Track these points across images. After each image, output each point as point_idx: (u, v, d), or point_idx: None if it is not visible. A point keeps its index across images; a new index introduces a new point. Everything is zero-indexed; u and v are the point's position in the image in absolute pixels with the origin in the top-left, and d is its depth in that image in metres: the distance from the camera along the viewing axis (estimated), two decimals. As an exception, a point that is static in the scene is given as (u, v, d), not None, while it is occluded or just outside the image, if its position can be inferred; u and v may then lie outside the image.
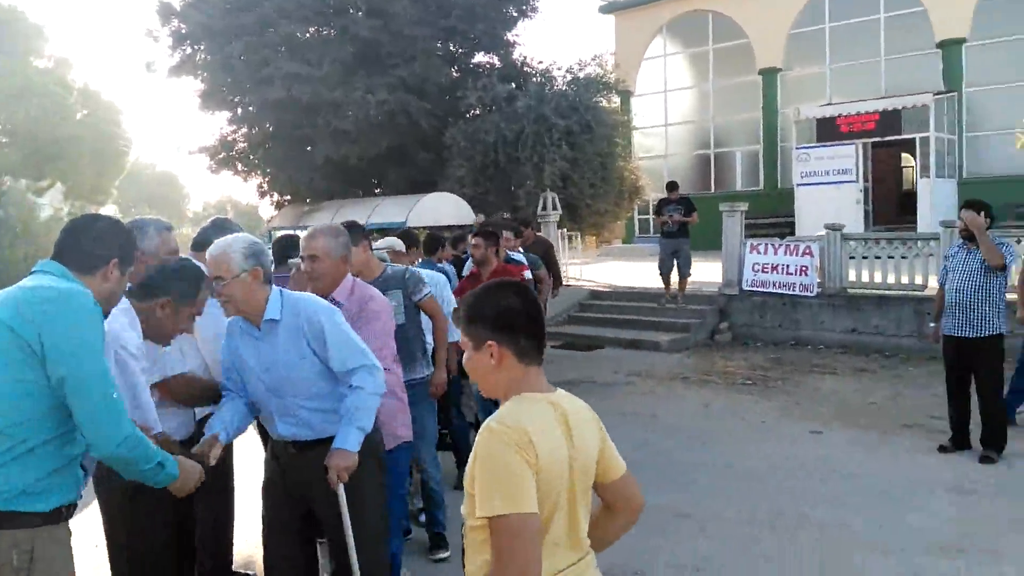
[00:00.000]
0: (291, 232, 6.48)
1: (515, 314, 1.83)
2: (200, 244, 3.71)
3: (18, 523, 2.08)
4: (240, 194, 46.77)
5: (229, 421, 3.00)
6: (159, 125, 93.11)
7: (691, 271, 11.82)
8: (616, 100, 19.30)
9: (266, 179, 18.11)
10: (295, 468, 3.06)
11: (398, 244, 5.79)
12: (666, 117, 24.85)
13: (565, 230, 15.72)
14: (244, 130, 17.64)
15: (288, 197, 18.07)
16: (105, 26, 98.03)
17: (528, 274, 6.54)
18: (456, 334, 2.49)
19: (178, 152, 38.95)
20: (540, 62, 17.64)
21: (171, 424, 3.02)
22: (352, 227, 4.07)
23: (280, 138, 16.89)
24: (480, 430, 1.76)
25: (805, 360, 10.02)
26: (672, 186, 12.07)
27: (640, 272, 12.70)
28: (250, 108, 16.90)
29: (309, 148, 16.35)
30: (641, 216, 23.26)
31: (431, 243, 6.70)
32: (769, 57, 22.32)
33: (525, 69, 17.38)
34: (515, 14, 17.66)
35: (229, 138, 17.71)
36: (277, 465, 3.15)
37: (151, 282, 2.80)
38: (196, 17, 16.22)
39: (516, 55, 17.75)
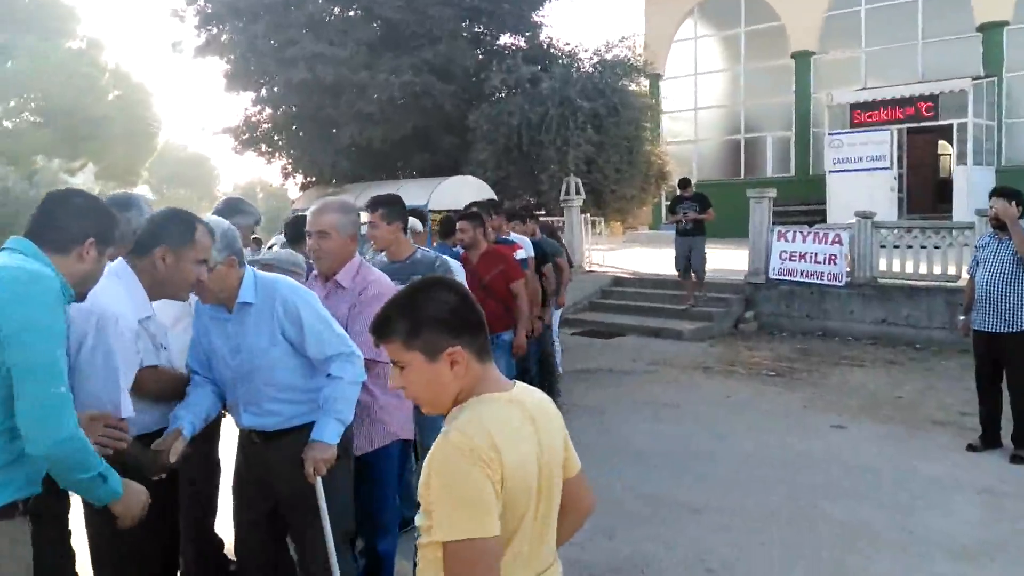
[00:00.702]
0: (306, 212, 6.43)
1: (466, 310, 1.66)
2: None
3: None
4: (269, 175, 46.88)
5: (196, 411, 2.80)
6: (188, 106, 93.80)
7: (705, 269, 11.39)
8: (645, 83, 18.98)
9: (290, 160, 18.09)
10: (260, 460, 2.90)
11: (418, 225, 5.68)
12: (696, 101, 24.40)
13: (589, 215, 15.51)
14: (268, 111, 17.63)
15: (312, 179, 18.03)
16: (134, 5, 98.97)
17: (521, 253, 6.34)
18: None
19: (203, 132, 39.27)
20: (566, 44, 17.40)
21: (147, 417, 2.76)
22: (393, 203, 4.00)
23: (304, 119, 16.84)
24: (438, 439, 1.57)
25: (833, 351, 9.75)
26: (685, 183, 11.65)
27: (665, 259, 12.46)
28: (274, 89, 16.85)
29: (333, 130, 16.28)
30: (668, 202, 22.92)
31: (447, 226, 6.53)
32: (803, 40, 21.77)
33: (551, 51, 17.14)
34: (542, -6, 17.41)
35: (253, 119, 17.70)
36: (243, 458, 2.98)
37: (142, 237, 2.62)
38: (221, -3, 16.19)
39: (542, 37, 17.52)
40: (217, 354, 2.85)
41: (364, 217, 3.91)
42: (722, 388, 8.11)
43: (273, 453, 2.84)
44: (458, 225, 5.66)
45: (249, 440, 2.93)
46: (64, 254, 2.17)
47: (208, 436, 3.22)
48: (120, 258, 2.62)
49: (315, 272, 3.48)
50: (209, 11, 16.68)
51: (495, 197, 13.70)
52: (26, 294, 2.01)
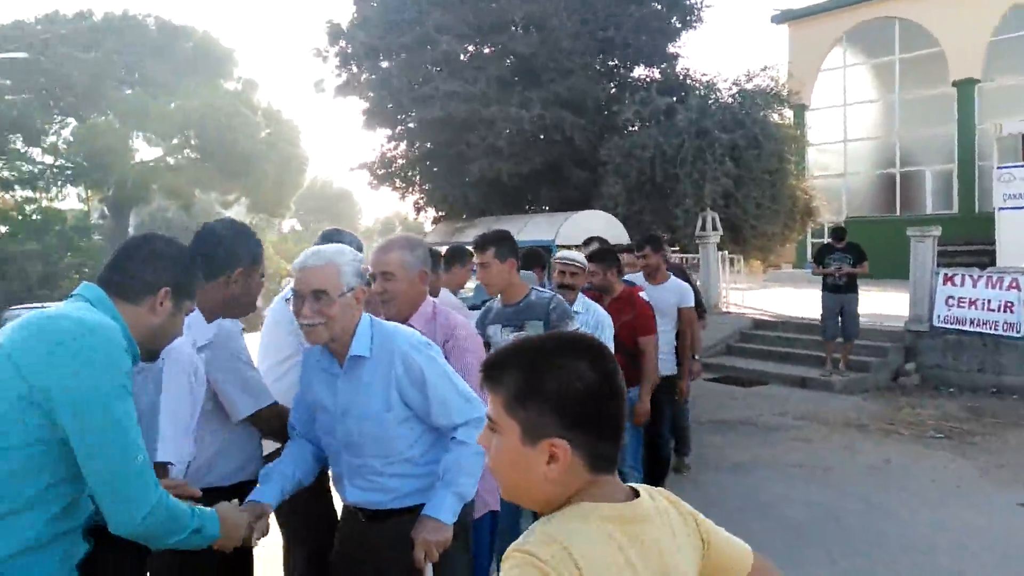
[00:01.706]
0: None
1: (602, 402, 1.18)
2: None
3: None
4: (406, 209, 48.32)
5: (288, 475, 2.42)
6: (332, 142, 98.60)
7: (858, 332, 10.01)
8: (789, 114, 17.96)
9: (422, 195, 18.25)
10: (361, 541, 2.46)
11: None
12: (845, 132, 23.00)
13: (726, 252, 14.64)
14: (403, 147, 17.87)
15: (443, 213, 18.10)
16: (285, 47, 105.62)
17: (645, 295, 5.35)
18: None
19: (340, 169, 40.95)
20: (704, 74, 16.70)
21: (232, 464, 2.53)
22: (504, 238, 3.61)
23: (436, 155, 16.95)
24: (504, 557, 1.14)
25: (1010, 411, 8.53)
26: (839, 233, 10.14)
27: (811, 301, 11.45)
28: (409, 126, 17.08)
29: (464, 165, 16.27)
30: (814, 240, 21.59)
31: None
32: (965, 67, 20.11)
33: (687, 82, 16.49)
34: (678, 25, 16.86)
35: (388, 155, 17.99)
36: (342, 536, 2.58)
37: (215, 259, 2.36)
38: (360, 37, 16.58)
39: (678, 68, 16.92)
40: (323, 415, 2.45)
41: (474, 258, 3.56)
42: (879, 450, 7.16)
43: (377, 535, 2.41)
44: (588, 267, 4.80)
45: (353, 518, 2.51)
46: (135, 304, 1.90)
47: (321, 491, 2.92)
48: None
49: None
50: (349, 51, 17.13)
51: (625, 232, 13.17)
52: (81, 351, 1.70)
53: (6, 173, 30.06)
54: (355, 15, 17.08)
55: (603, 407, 1.18)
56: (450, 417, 2.37)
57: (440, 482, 2.33)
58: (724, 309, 13.91)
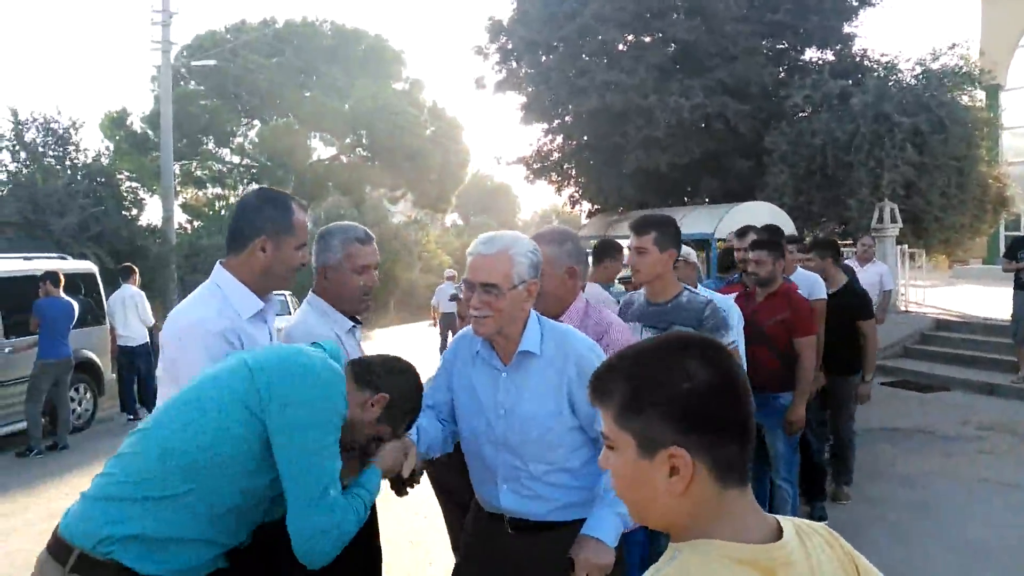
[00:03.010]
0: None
1: (718, 400, 1.04)
2: None
3: None
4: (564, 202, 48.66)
5: (430, 437, 2.33)
6: (491, 137, 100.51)
7: None
8: (980, 95, 16.35)
9: (578, 188, 18.16)
10: (506, 556, 2.25)
11: (691, 255, 4.46)
12: (1047, 114, 20.74)
13: (906, 246, 13.54)
14: (559, 140, 17.85)
15: (599, 206, 17.94)
16: (449, 46, 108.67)
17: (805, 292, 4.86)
18: None
19: (498, 163, 41.11)
20: (883, 55, 15.53)
21: None
22: (667, 224, 3.18)
23: (593, 147, 16.79)
24: None
25: None
26: None
27: (1002, 300, 10.27)
28: (566, 119, 17.02)
29: (621, 156, 16.03)
30: (1008, 232, 19.60)
31: (725, 257, 5.73)
32: None
33: (864, 63, 15.40)
34: (856, 3, 15.75)
35: (545, 149, 18.03)
36: (481, 548, 2.35)
37: (238, 230, 2.31)
38: (520, 32, 16.69)
39: (854, 49, 15.82)
40: (478, 411, 2.28)
41: (629, 241, 3.21)
42: (1083, 469, 6.36)
43: (529, 550, 2.20)
44: (752, 255, 4.47)
45: (498, 528, 2.29)
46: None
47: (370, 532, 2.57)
48: (218, 266, 2.32)
49: None
50: (509, 47, 17.30)
51: (792, 224, 12.47)
52: (318, 383, 1.90)
53: (199, 172, 32.81)
54: (515, 11, 17.22)
55: (721, 406, 1.04)
56: None
57: (602, 500, 2.12)
58: (903, 308, 12.89)
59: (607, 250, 4.96)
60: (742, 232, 5.16)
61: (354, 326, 2.58)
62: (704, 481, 1.04)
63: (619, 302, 3.63)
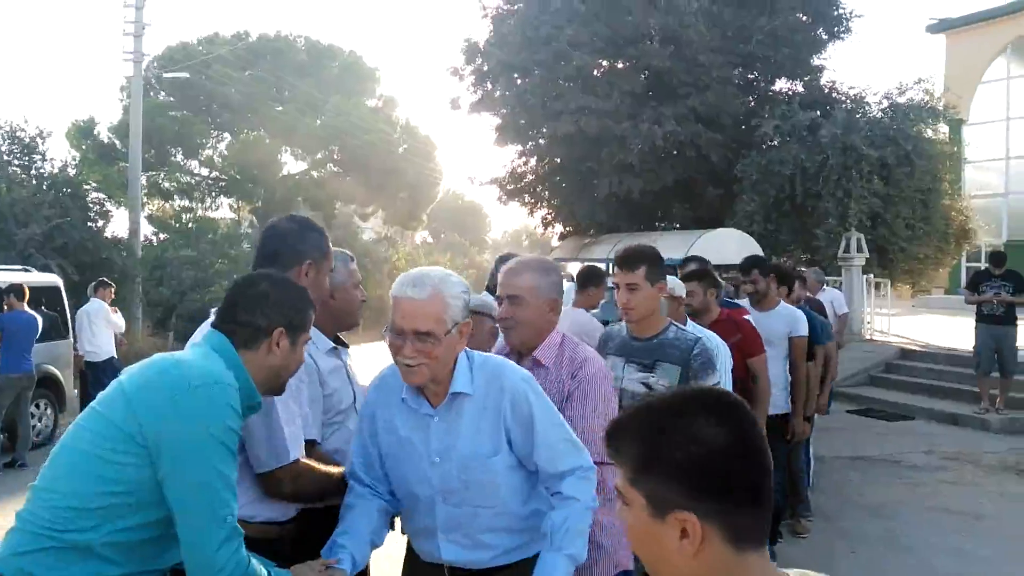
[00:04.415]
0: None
1: (732, 464, 1.02)
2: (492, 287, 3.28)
3: None
4: (536, 223, 49.00)
5: (360, 539, 2.08)
6: (464, 157, 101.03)
7: (1017, 368, 9.03)
8: (944, 129, 16.79)
9: (550, 211, 18.27)
10: None
11: (679, 287, 4.06)
12: (1007, 149, 21.32)
13: (871, 276, 13.80)
14: (533, 163, 17.98)
15: (570, 228, 18.04)
16: (424, 65, 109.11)
17: (751, 317, 4.81)
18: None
19: (471, 183, 41.20)
20: (851, 87, 15.94)
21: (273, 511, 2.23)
22: (655, 258, 3.01)
23: (566, 171, 16.95)
24: None
25: None
26: (998, 259, 9.09)
27: (965, 330, 10.50)
28: (540, 141, 17.15)
29: (593, 181, 16.17)
30: (970, 263, 20.07)
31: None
32: None
33: (832, 95, 15.74)
34: (825, 36, 16.16)
35: (519, 170, 18.14)
36: None
37: (281, 256, 2.24)
38: (497, 54, 16.82)
39: (823, 80, 16.19)
40: (409, 461, 2.11)
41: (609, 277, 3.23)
42: (1045, 501, 6.49)
43: None
44: (685, 286, 4.25)
45: None
46: (252, 350, 1.90)
47: None
48: None
49: (504, 349, 2.70)
50: (485, 69, 17.41)
51: (761, 252, 12.64)
52: (190, 400, 1.72)
53: (167, 184, 32.40)
54: (492, 34, 17.35)
55: (734, 470, 1.02)
56: (555, 463, 2.06)
57: (549, 543, 2.02)
58: (868, 336, 13.09)
59: (592, 277, 4.99)
60: (685, 262, 5.07)
61: (336, 348, 2.49)
62: (717, 545, 1.01)
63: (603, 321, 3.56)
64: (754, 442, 1.04)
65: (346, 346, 2.57)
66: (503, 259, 3.50)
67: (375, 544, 2.15)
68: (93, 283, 10.02)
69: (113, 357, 9.41)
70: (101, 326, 9.36)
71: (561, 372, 2.51)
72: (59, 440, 1.82)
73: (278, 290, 1.95)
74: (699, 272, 4.49)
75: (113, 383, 1.82)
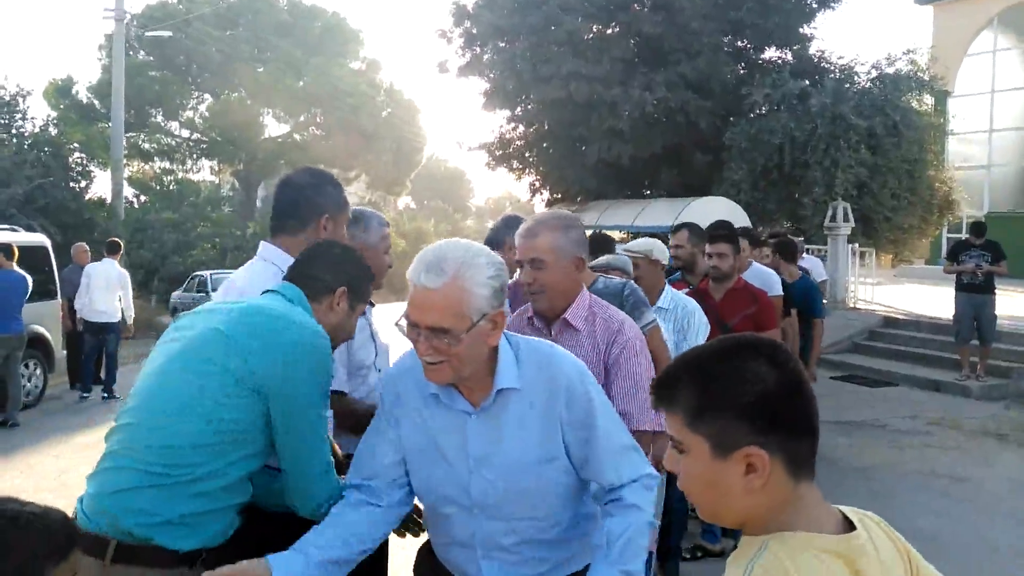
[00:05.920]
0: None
1: (788, 399, 1.09)
2: (493, 243, 3.23)
3: (151, 559, 1.74)
4: (519, 190, 48.62)
5: (329, 545, 1.75)
6: (450, 122, 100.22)
7: (995, 336, 9.26)
8: (929, 101, 16.90)
9: (538, 177, 18.22)
10: None
11: (658, 249, 3.89)
12: (991, 121, 21.51)
13: (857, 245, 13.95)
14: (521, 128, 17.87)
15: (559, 195, 18.03)
16: (410, 28, 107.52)
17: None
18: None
19: (459, 148, 40.96)
20: (840, 57, 15.94)
21: None
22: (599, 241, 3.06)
23: (555, 137, 16.86)
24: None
25: None
26: (978, 229, 9.21)
27: (946, 299, 10.69)
28: (529, 107, 17.04)
29: (582, 147, 16.13)
30: (951, 234, 20.32)
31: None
32: None
33: (822, 64, 15.75)
34: (815, 5, 16.10)
35: (507, 136, 18.04)
36: None
37: (299, 208, 2.26)
38: (486, 17, 16.63)
39: (812, 50, 16.18)
40: (440, 466, 1.79)
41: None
42: (1022, 461, 6.67)
43: None
44: (710, 248, 4.31)
45: None
46: (316, 302, 2.04)
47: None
48: (267, 244, 2.30)
49: (525, 311, 2.53)
50: (474, 32, 17.22)
51: (748, 220, 12.73)
52: (310, 357, 1.88)
53: (147, 145, 31.96)
54: (481, -5, 17.14)
55: (792, 404, 1.09)
56: (619, 471, 1.77)
57: (605, 555, 1.73)
58: (852, 304, 13.27)
59: (602, 244, 4.95)
60: (677, 228, 4.86)
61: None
62: (779, 476, 1.08)
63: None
64: (800, 376, 1.11)
65: (372, 304, 2.57)
66: (509, 221, 3.40)
67: (340, 567, 1.78)
68: (109, 243, 9.84)
69: (119, 320, 9.27)
70: (115, 291, 9.21)
71: (596, 338, 2.39)
72: (143, 378, 1.88)
73: (348, 256, 2.12)
74: (728, 235, 4.34)
75: (201, 326, 1.87)
